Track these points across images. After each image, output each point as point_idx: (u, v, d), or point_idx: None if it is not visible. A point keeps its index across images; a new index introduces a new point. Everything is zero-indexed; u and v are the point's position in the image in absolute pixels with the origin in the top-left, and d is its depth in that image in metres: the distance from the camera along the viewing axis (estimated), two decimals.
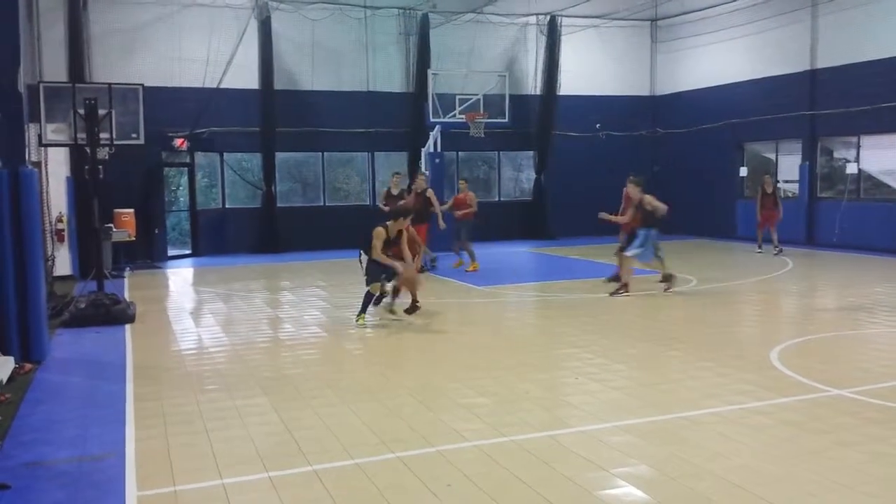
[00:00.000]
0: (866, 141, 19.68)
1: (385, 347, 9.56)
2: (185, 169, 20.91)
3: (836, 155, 21.04)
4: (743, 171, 22.94)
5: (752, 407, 6.51)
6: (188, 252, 20.68)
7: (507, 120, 21.42)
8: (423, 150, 21.31)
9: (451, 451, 5.60)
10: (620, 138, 24.83)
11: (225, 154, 21.25)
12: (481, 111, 20.98)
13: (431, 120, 20.78)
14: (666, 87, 25.60)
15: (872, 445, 5.57)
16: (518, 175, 25.25)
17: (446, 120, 20.80)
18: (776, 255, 17.91)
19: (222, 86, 20.39)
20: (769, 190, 18.86)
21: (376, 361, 8.76)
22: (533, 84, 24.14)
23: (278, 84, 21.05)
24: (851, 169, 19.90)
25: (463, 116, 20.87)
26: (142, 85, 11.98)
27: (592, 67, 24.79)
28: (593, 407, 6.73)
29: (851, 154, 20.14)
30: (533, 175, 24.38)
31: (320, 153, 22.34)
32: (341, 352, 9.27)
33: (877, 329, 10.08)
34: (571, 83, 24.10)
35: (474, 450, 5.61)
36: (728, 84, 22.89)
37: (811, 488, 4.86)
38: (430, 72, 21.41)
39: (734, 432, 5.93)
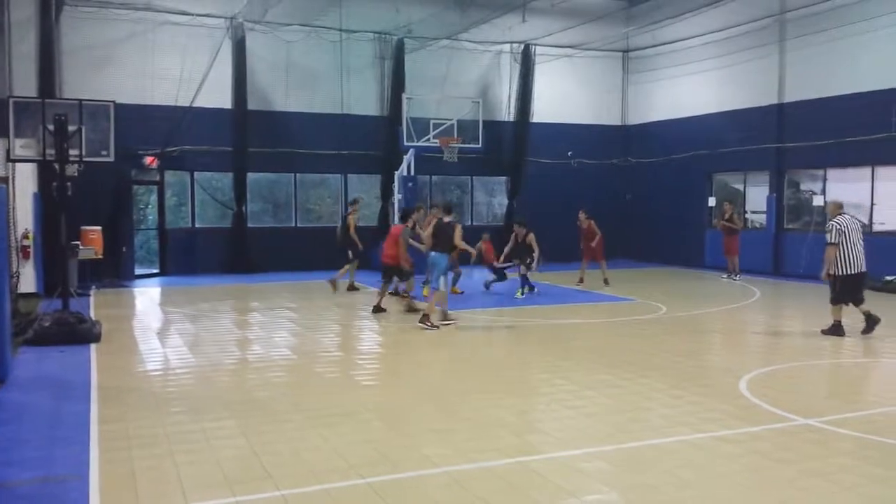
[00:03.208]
0: (832, 174, 20.06)
1: (356, 371, 9.49)
2: (155, 187, 20.73)
3: (802, 187, 21.41)
4: (711, 201, 23.26)
5: (722, 435, 6.54)
6: (156, 271, 20.45)
7: (480, 145, 21.54)
8: (396, 173, 21.34)
9: (422, 477, 5.54)
10: (592, 166, 25.11)
11: (196, 173, 21.11)
12: (455, 136, 21.08)
13: (405, 144, 20.83)
14: (637, 117, 25.95)
15: (840, 475, 5.62)
16: (491, 200, 25.38)
17: (420, 144, 20.86)
18: (726, 278, 18.92)
19: (195, 104, 20.32)
20: (726, 217, 19.50)
21: (347, 385, 8.68)
22: (506, 111, 24.35)
23: (251, 104, 21.00)
24: (818, 201, 20.26)
25: (437, 141, 20.95)
26: (113, 102, 11.87)
27: (565, 96, 25.08)
28: (565, 433, 6.72)
29: (818, 186, 20.50)
30: (505, 200, 24.51)
31: (293, 174, 22.28)
32: (311, 374, 9.18)
33: (842, 359, 10.22)
34: (544, 111, 24.35)
35: (445, 476, 5.56)
36: (698, 115, 23.25)
37: None
38: (404, 96, 21.49)
39: (704, 461, 5.95)
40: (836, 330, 11.38)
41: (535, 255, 15.82)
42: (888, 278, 16.79)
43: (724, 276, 19.68)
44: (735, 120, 22.05)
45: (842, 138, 18.98)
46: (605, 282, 17.72)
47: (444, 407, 7.54)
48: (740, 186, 23.03)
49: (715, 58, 22.62)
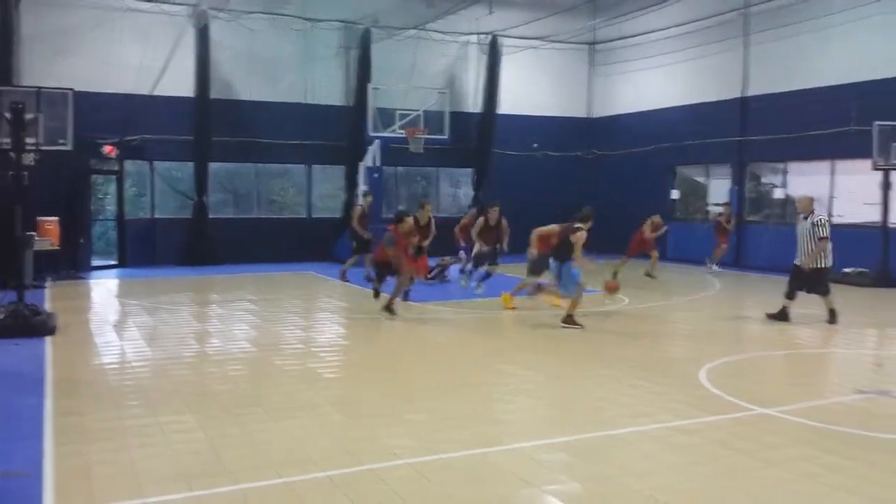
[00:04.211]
0: (793, 167, 20.36)
1: (316, 364, 9.40)
2: (114, 177, 20.36)
3: (764, 180, 21.71)
4: (675, 194, 23.46)
5: (681, 425, 6.58)
6: (114, 263, 20.10)
7: (446, 136, 21.50)
8: (361, 164, 21.21)
9: (383, 469, 5.50)
10: (557, 158, 25.19)
11: (155, 162, 20.77)
12: (421, 127, 21.02)
13: (371, 134, 20.71)
14: (602, 109, 26.08)
15: (798, 464, 5.68)
16: (456, 191, 25.35)
17: (386, 134, 20.76)
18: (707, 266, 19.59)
19: (156, 93, 19.99)
20: (722, 217, 20.02)
21: (306, 378, 8.60)
22: (473, 102, 24.31)
23: (214, 93, 20.67)
24: (779, 194, 20.54)
25: (403, 132, 20.86)
26: (72, 90, 11.63)
27: (532, 88, 25.11)
28: (526, 424, 6.72)
29: (779, 179, 20.79)
30: (471, 192, 24.50)
31: (255, 164, 22.03)
32: (270, 367, 9.08)
33: (800, 350, 10.38)
34: (511, 102, 24.35)
35: (407, 468, 5.52)
36: (662, 108, 23.43)
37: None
38: (370, 86, 21.35)
39: (663, 451, 5.99)
40: (783, 316, 11.93)
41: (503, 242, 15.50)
42: (846, 270, 17.09)
43: (708, 262, 20.04)
44: (698, 113, 22.26)
45: (803, 132, 19.23)
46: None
47: (406, 399, 7.50)
48: (703, 179, 23.28)
49: (679, 51, 22.79)
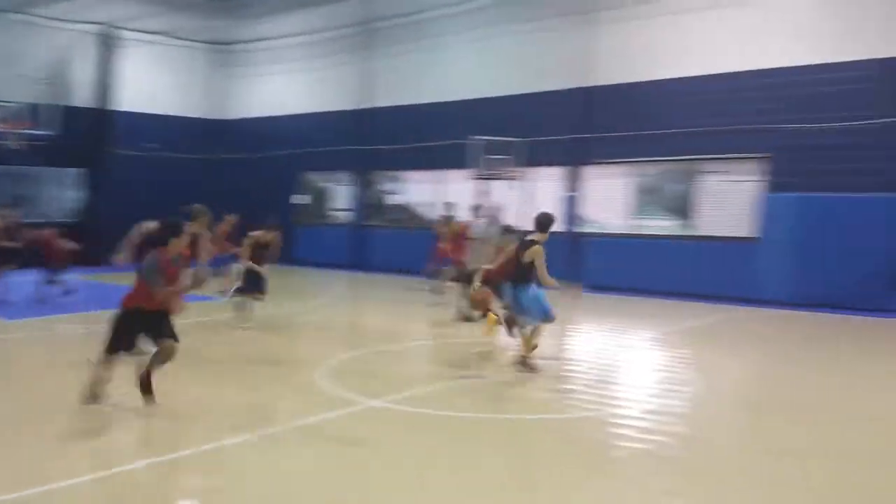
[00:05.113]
0: (411, 175, 21.96)
1: None
2: None
3: (383, 187, 23.08)
4: (301, 199, 23.93)
5: (300, 426, 6.66)
6: None
7: (53, 132, 19.55)
8: None
9: None
10: (183, 160, 24.26)
11: None
12: (24, 121, 18.91)
13: None
14: (233, 112, 25.73)
15: (403, 449, 6.09)
16: (63, 194, 23.08)
17: None
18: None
19: None
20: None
21: None
22: (86, 96, 22.44)
23: None
24: (396, 200, 22.06)
25: (1, 125, 18.59)
26: None
27: (157, 86, 23.91)
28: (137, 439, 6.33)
29: (396, 186, 22.31)
30: (83, 194, 22.54)
31: None
32: None
33: (406, 344, 11.16)
34: (133, 100, 22.92)
35: None
36: (291, 115, 23.79)
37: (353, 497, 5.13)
38: None
39: (282, 453, 5.97)
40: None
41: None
42: None
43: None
44: (325, 121, 22.99)
45: (419, 143, 20.83)
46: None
47: None
48: (329, 185, 24.09)
49: (308, 59, 23.36)
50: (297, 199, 23.70)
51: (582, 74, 18.47)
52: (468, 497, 5.18)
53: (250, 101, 25.14)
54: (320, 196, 22.85)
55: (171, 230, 7.04)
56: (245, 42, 24.72)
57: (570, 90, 18.71)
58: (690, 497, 5.32)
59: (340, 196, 23.53)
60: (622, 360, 10.39)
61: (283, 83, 24.16)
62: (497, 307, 10.26)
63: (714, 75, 16.64)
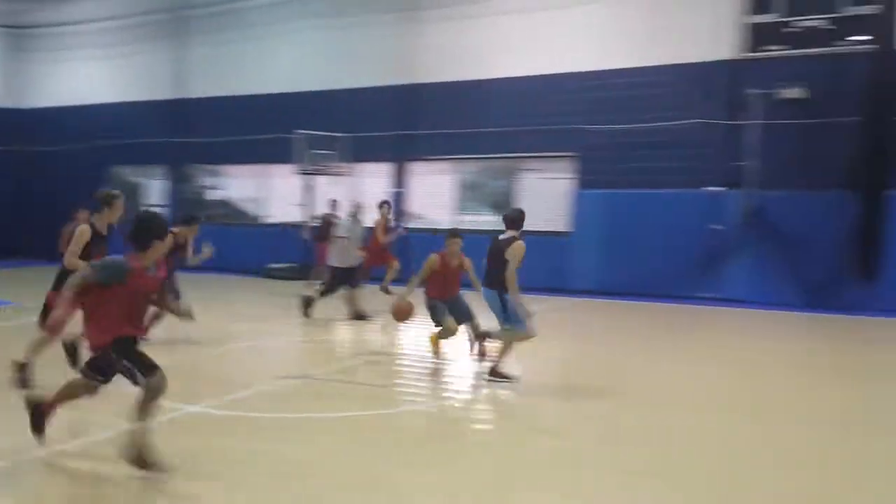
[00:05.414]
0: (230, 170, 21.23)
1: None
2: None
3: (201, 182, 22.20)
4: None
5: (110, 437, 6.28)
6: None
7: None
8: None
9: None
10: None
11: None
12: None
13: None
14: (33, 100, 23.81)
15: (225, 453, 5.89)
16: None
17: None
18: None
19: None
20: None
21: None
22: None
23: None
24: (216, 195, 21.25)
25: None
26: None
27: None
28: None
29: (216, 181, 21.50)
30: None
31: None
32: None
33: (251, 342, 10.83)
34: None
35: None
36: (99, 104, 22.36)
37: None
38: None
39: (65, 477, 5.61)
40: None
41: None
42: (273, 266, 18.53)
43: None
44: (136, 112, 21.79)
45: (240, 136, 20.19)
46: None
47: None
48: (141, 179, 22.87)
49: (116, 45, 22.05)
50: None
51: (407, 71, 18.65)
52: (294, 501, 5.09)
53: (54, 89, 23.37)
54: (132, 191, 21.59)
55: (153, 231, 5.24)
56: (46, 26, 22.94)
57: (394, 87, 18.83)
58: (519, 480, 5.51)
59: (154, 191, 22.39)
60: (450, 352, 10.60)
61: (88, 70, 22.65)
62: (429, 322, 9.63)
63: (532, 77, 17.33)
